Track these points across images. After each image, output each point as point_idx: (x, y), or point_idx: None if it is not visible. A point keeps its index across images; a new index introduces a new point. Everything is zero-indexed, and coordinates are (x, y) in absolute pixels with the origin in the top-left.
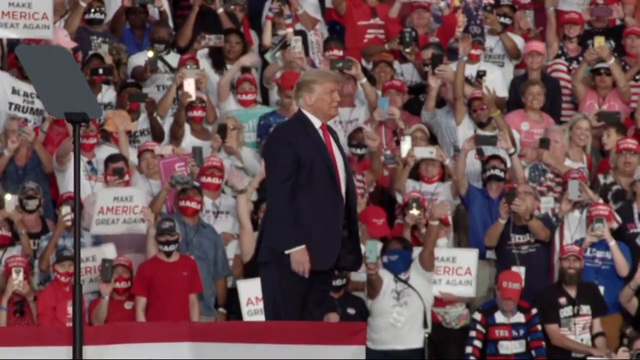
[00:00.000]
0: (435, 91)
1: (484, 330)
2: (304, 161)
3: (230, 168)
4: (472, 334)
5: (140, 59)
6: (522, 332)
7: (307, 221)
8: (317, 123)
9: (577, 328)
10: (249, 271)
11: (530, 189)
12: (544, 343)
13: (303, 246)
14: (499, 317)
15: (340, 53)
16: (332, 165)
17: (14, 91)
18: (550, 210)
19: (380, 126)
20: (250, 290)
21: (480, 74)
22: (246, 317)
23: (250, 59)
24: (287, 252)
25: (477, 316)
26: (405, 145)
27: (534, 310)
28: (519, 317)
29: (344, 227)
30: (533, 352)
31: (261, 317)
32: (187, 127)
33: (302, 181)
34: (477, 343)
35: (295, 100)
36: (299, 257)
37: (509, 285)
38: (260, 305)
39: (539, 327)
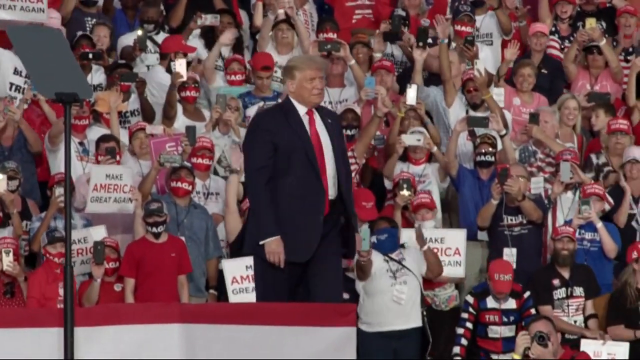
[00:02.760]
0: (421, 64)
1: (475, 313)
2: (282, 150)
3: (231, 145)
4: (464, 315)
5: (129, 39)
6: (512, 318)
7: (283, 211)
8: (302, 110)
9: (570, 310)
10: (234, 251)
11: (522, 171)
12: None
13: (277, 237)
14: (491, 302)
15: (334, 36)
16: (313, 154)
17: (16, 71)
18: (543, 191)
19: (369, 106)
20: (235, 269)
21: (469, 39)
22: (231, 296)
23: (228, 35)
24: (260, 242)
25: (470, 299)
26: (411, 92)
27: (527, 294)
28: (511, 303)
29: (339, 215)
30: None
31: (246, 296)
32: (179, 108)
33: (279, 170)
34: (469, 325)
35: (283, 85)
36: (272, 247)
37: (500, 278)
38: (246, 284)
39: (533, 310)
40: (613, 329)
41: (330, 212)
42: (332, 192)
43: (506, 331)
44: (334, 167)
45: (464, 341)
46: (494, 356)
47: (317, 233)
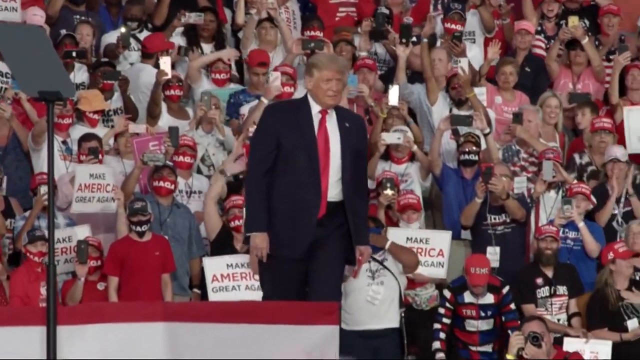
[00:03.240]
0: (404, 61)
1: (452, 308)
2: (284, 147)
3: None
4: (441, 311)
5: (113, 37)
6: (490, 312)
7: (276, 207)
8: (315, 108)
9: (553, 308)
10: (214, 249)
11: (506, 170)
12: (519, 322)
13: (263, 233)
14: (468, 297)
15: (320, 34)
16: (316, 155)
17: None
18: (526, 191)
19: (351, 104)
20: (215, 267)
21: (457, 35)
22: (211, 294)
23: (229, 53)
24: (247, 234)
25: (447, 294)
26: (393, 92)
27: (505, 289)
28: (488, 298)
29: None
30: (510, 333)
31: (226, 294)
32: (164, 106)
33: (280, 166)
34: (446, 320)
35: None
36: (255, 242)
37: (476, 271)
38: (226, 282)
39: (512, 306)
40: (597, 332)
41: (329, 214)
42: (333, 195)
43: (483, 325)
44: (339, 170)
45: (442, 335)
46: (472, 347)
47: (309, 232)
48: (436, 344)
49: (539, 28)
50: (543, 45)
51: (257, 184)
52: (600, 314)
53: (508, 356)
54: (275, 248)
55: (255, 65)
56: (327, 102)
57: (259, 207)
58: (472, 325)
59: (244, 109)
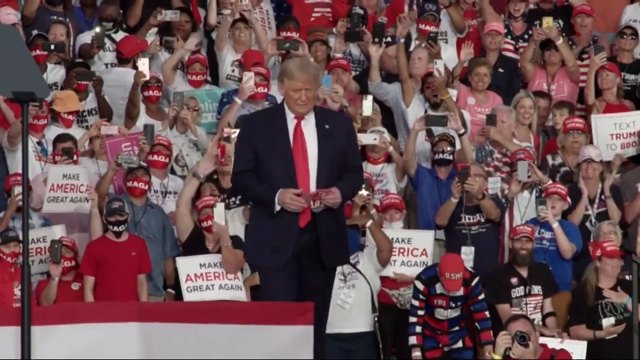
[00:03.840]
0: (377, 60)
1: (426, 300)
2: (260, 157)
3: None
4: (415, 303)
5: (87, 37)
6: (459, 303)
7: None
8: (291, 114)
9: (528, 308)
10: (186, 249)
11: (480, 170)
12: (487, 314)
13: (279, 191)
14: (440, 288)
15: (296, 35)
16: (291, 162)
17: None
18: (500, 191)
19: (325, 104)
20: (189, 267)
21: (432, 36)
22: (185, 294)
23: (193, 41)
24: (277, 206)
25: (420, 286)
26: (367, 103)
27: (475, 282)
28: (459, 291)
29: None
30: (477, 325)
31: (200, 294)
32: (142, 107)
33: (260, 175)
34: (421, 312)
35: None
36: (285, 200)
37: (451, 277)
38: (199, 282)
39: (481, 296)
40: (575, 329)
41: (314, 222)
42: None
43: (452, 313)
44: (317, 176)
45: (418, 329)
46: (439, 332)
47: (291, 242)
48: (412, 339)
49: (506, 30)
50: (511, 46)
51: (248, 183)
52: (579, 311)
53: (495, 356)
54: (259, 258)
55: (251, 65)
56: (298, 110)
57: (262, 188)
58: (442, 314)
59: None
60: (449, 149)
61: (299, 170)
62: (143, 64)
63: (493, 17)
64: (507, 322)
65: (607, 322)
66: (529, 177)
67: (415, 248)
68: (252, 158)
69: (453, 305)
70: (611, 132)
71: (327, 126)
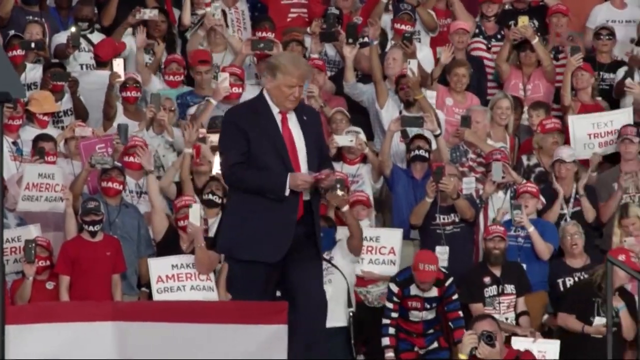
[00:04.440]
0: (351, 61)
1: (400, 302)
2: (253, 151)
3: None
4: (389, 305)
5: (63, 37)
6: (434, 304)
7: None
8: (275, 108)
9: (501, 307)
10: (161, 249)
11: (455, 170)
12: (461, 313)
13: (288, 175)
14: (414, 290)
15: (272, 35)
16: (287, 156)
17: None
18: (475, 191)
19: None
20: (161, 268)
21: (407, 36)
22: (155, 295)
23: (140, 37)
24: (289, 189)
25: (394, 288)
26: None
27: (448, 282)
28: (433, 292)
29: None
30: (451, 324)
31: (170, 295)
32: (120, 108)
33: (256, 168)
34: (394, 315)
35: (261, 77)
36: (296, 182)
37: (425, 267)
38: (170, 283)
39: (455, 296)
40: (564, 316)
41: (305, 213)
42: (307, 194)
43: (427, 315)
44: (308, 166)
45: (391, 330)
46: (415, 335)
47: (289, 235)
48: (385, 340)
49: (477, 30)
50: (483, 46)
51: (247, 171)
52: (574, 300)
53: (461, 356)
54: (251, 253)
55: (197, 63)
56: (287, 106)
57: (265, 175)
58: (416, 316)
59: (192, 110)
60: (425, 145)
61: (293, 162)
62: (118, 64)
63: (464, 16)
64: (473, 322)
65: (599, 321)
66: (503, 177)
67: (383, 246)
68: (245, 151)
69: (428, 306)
70: (589, 132)
71: (305, 118)
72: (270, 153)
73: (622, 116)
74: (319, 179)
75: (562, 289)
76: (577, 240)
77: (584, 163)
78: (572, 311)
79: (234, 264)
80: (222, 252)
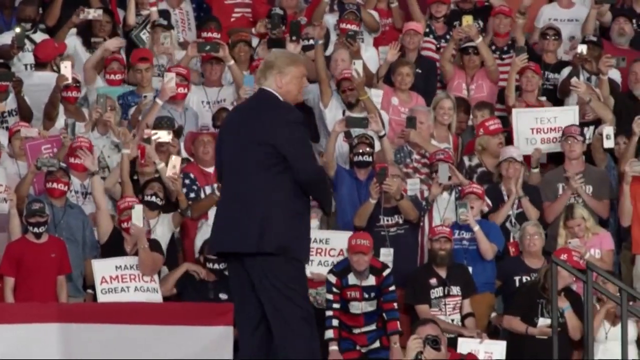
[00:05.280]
0: None
1: (339, 292)
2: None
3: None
4: (330, 297)
5: (7, 38)
6: (372, 294)
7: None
8: None
9: (447, 309)
10: (105, 251)
11: (398, 171)
12: (396, 305)
13: None
14: (352, 279)
15: (218, 35)
16: None
17: None
18: (419, 193)
19: None
20: (105, 269)
21: (350, 35)
22: (100, 296)
23: (115, 42)
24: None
25: (332, 279)
26: None
27: (386, 272)
28: (370, 280)
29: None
30: (385, 315)
31: (115, 296)
32: (60, 108)
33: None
34: (336, 305)
35: (258, 79)
36: None
37: (357, 242)
38: (115, 284)
39: (392, 288)
40: (509, 319)
41: None
42: None
43: (367, 306)
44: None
45: (335, 322)
46: (355, 330)
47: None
48: (329, 333)
49: (427, 30)
50: (433, 46)
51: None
52: (519, 303)
53: None
54: (305, 253)
55: (137, 60)
56: (300, 99)
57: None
58: (357, 307)
59: (133, 110)
60: (368, 150)
61: None
62: (65, 67)
63: (418, 16)
64: (415, 327)
65: (543, 322)
66: (449, 179)
67: (332, 248)
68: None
69: (367, 296)
70: (532, 127)
71: None
72: None
73: (567, 115)
74: None
75: (517, 285)
76: (535, 241)
77: (527, 160)
78: (517, 313)
79: (295, 263)
80: (281, 252)
